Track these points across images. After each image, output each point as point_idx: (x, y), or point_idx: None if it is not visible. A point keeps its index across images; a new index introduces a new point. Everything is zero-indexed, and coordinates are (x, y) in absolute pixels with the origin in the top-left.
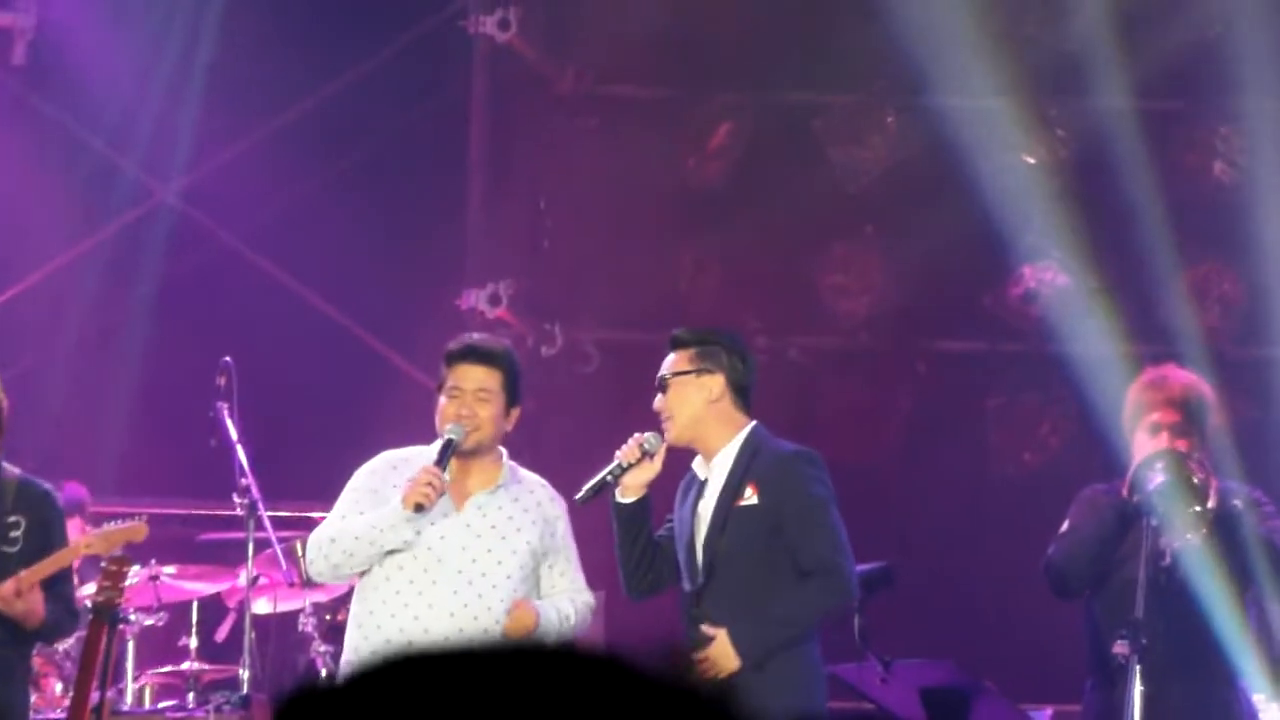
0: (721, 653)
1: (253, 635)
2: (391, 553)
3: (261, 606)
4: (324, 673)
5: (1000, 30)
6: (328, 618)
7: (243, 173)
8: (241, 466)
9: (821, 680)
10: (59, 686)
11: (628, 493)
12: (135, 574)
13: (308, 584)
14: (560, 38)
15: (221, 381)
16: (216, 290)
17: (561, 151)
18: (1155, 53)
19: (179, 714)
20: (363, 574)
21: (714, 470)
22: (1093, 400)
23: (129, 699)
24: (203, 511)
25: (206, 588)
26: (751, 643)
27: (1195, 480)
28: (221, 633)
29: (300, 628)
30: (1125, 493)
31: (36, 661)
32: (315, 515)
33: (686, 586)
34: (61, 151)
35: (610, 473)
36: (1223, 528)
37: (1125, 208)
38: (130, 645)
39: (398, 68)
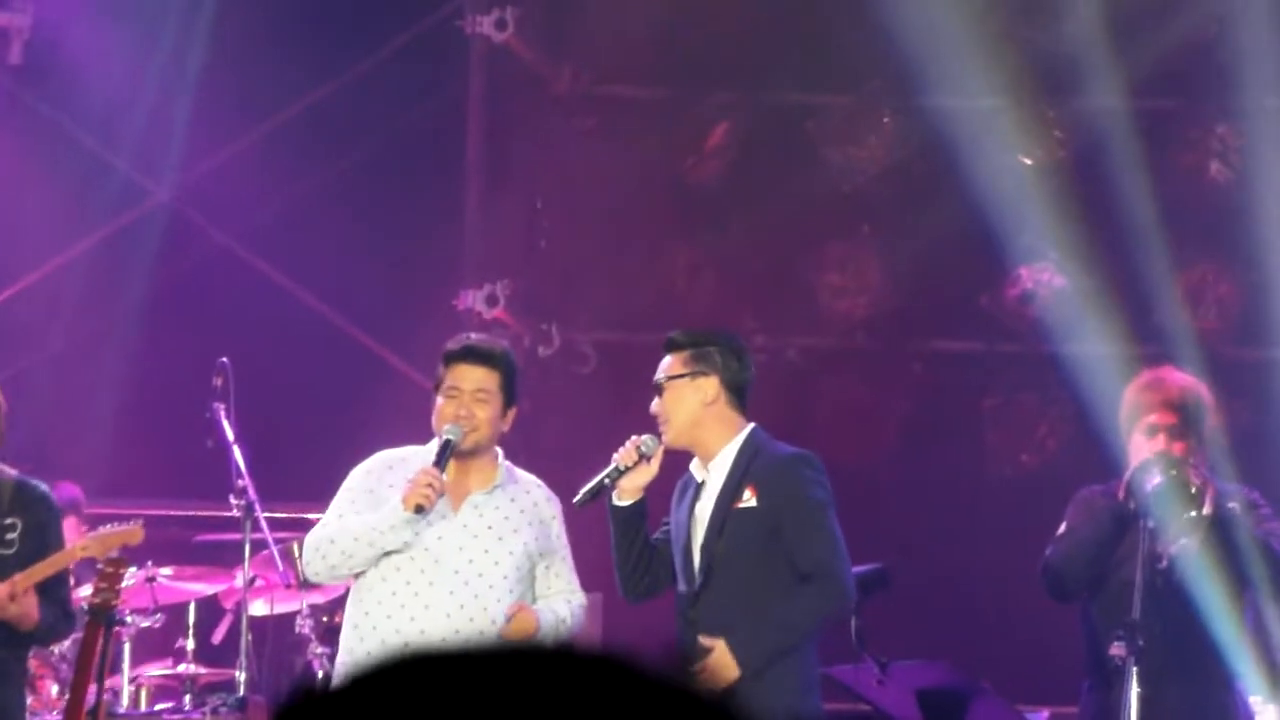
0: (721, 662)
1: (249, 637)
2: (388, 554)
3: (258, 608)
4: (321, 675)
5: (997, 30)
6: (325, 619)
7: (239, 173)
8: (238, 467)
9: (817, 682)
10: (55, 688)
11: (625, 495)
12: (132, 575)
13: (305, 585)
14: (557, 38)
15: (218, 382)
16: (213, 291)
17: (558, 152)
18: (1152, 53)
19: (175, 716)
20: (358, 575)
21: (712, 472)
22: (1090, 401)
23: (125, 701)
24: (199, 513)
25: (203, 589)
26: (751, 651)
27: (1192, 485)
28: (218, 634)
29: (297, 629)
30: (1122, 495)
31: (33, 663)
32: (312, 516)
33: (682, 588)
34: (58, 151)
35: (607, 476)
36: (1219, 530)
37: (1122, 208)
38: (126, 647)
39: (394, 68)
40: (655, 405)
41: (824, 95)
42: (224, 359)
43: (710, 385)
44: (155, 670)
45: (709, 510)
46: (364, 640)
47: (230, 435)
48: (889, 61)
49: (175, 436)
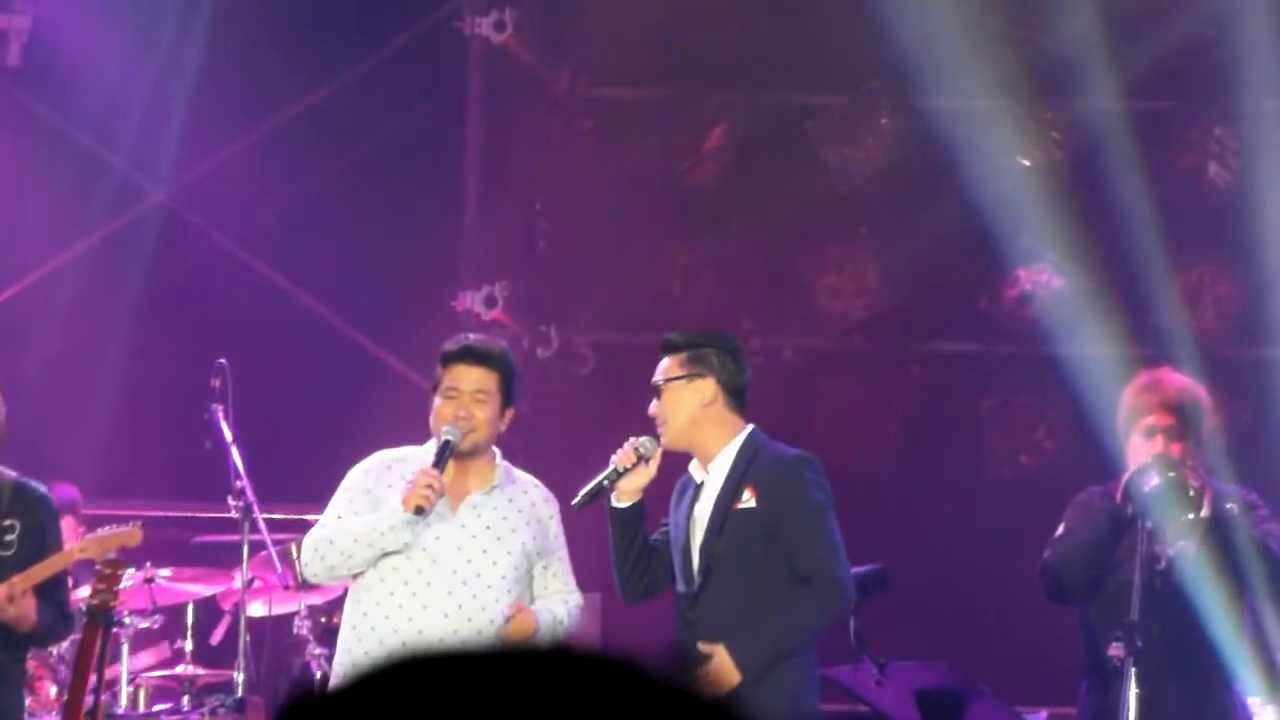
0: (722, 668)
1: (248, 638)
2: (386, 554)
3: (256, 609)
4: (319, 676)
5: (995, 31)
6: (323, 620)
7: (238, 174)
8: (236, 469)
9: (815, 683)
10: (54, 689)
11: (623, 497)
12: (130, 577)
13: (303, 586)
14: (556, 39)
15: (216, 383)
16: (211, 292)
17: (557, 153)
18: (1150, 54)
19: (174, 717)
20: (357, 576)
21: (711, 473)
22: (1088, 402)
23: (123, 702)
24: (197, 514)
25: (201, 590)
26: (751, 658)
27: (1191, 488)
28: (216, 635)
29: (295, 630)
30: (1120, 497)
31: (31, 664)
32: (310, 517)
33: (681, 589)
34: (56, 152)
35: (606, 477)
36: (1218, 531)
37: (1120, 209)
38: (125, 648)
39: (393, 69)
40: (653, 407)
41: (822, 96)
42: (222, 360)
43: (707, 387)
44: (153, 671)
45: (708, 511)
46: (362, 641)
47: (228, 436)
48: (887, 62)
49: (173, 437)
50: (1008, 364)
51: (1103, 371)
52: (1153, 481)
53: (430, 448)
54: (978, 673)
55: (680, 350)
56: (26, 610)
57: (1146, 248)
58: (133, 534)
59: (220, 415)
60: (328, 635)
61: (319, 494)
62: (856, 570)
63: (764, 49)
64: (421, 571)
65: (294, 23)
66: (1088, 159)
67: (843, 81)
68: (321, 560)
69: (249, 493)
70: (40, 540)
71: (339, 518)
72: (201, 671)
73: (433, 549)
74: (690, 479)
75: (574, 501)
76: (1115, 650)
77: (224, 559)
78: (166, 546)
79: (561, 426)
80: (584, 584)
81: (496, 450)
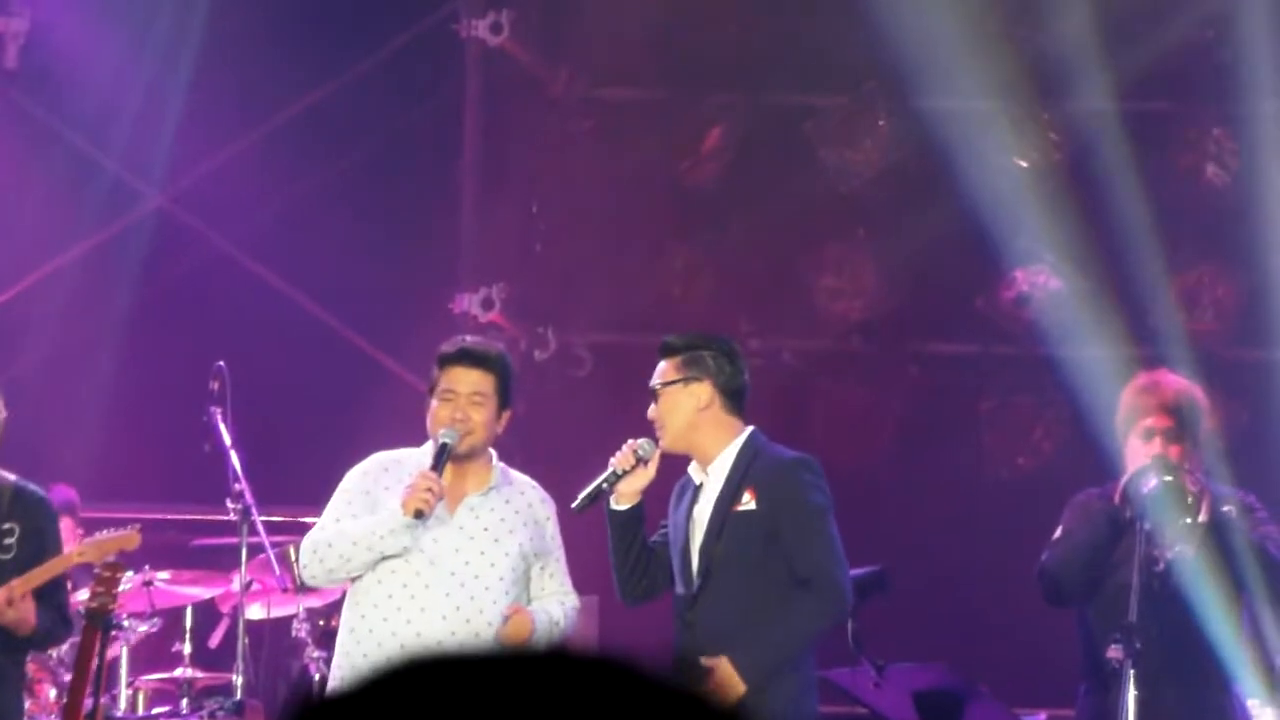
0: (725, 680)
1: (246, 641)
2: (385, 557)
3: (255, 612)
4: (318, 678)
5: (993, 32)
6: (321, 623)
7: (235, 176)
8: (235, 471)
9: (813, 685)
10: (53, 693)
11: (622, 499)
12: (129, 580)
13: (301, 589)
14: (553, 40)
15: (215, 386)
16: (209, 294)
17: (555, 154)
18: (1147, 55)
19: None
20: (355, 579)
21: (711, 475)
22: (1086, 404)
23: (122, 705)
24: (196, 517)
25: (200, 593)
26: (754, 667)
27: (1189, 494)
28: (215, 638)
29: (294, 633)
30: (1118, 499)
31: (31, 668)
32: (309, 520)
33: (680, 591)
34: (54, 155)
35: (605, 480)
36: (1216, 534)
37: (1118, 210)
38: (124, 651)
39: (390, 70)
40: (651, 411)
41: (820, 97)
42: (220, 363)
43: (704, 390)
44: (152, 674)
45: (707, 513)
46: (360, 643)
47: (227, 439)
48: (885, 64)
49: (171, 440)
50: (1006, 365)
51: (1101, 373)
52: (1151, 483)
53: (427, 449)
54: (976, 674)
55: (676, 353)
56: (26, 614)
57: (1144, 249)
58: (131, 537)
59: (218, 418)
60: (326, 638)
61: (317, 496)
62: (855, 572)
63: (763, 49)
64: (420, 574)
65: (291, 24)
66: (1086, 160)
67: (841, 82)
68: (320, 563)
69: (247, 495)
70: (40, 544)
71: (337, 521)
72: (200, 674)
73: (430, 551)
74: (689, 481)
75: (573, 504)
76: (1114, 652)
77: (222, 562)
78: (165, 549)
79: (559, 429)
80: (582, 586)
81: (493, 452)
